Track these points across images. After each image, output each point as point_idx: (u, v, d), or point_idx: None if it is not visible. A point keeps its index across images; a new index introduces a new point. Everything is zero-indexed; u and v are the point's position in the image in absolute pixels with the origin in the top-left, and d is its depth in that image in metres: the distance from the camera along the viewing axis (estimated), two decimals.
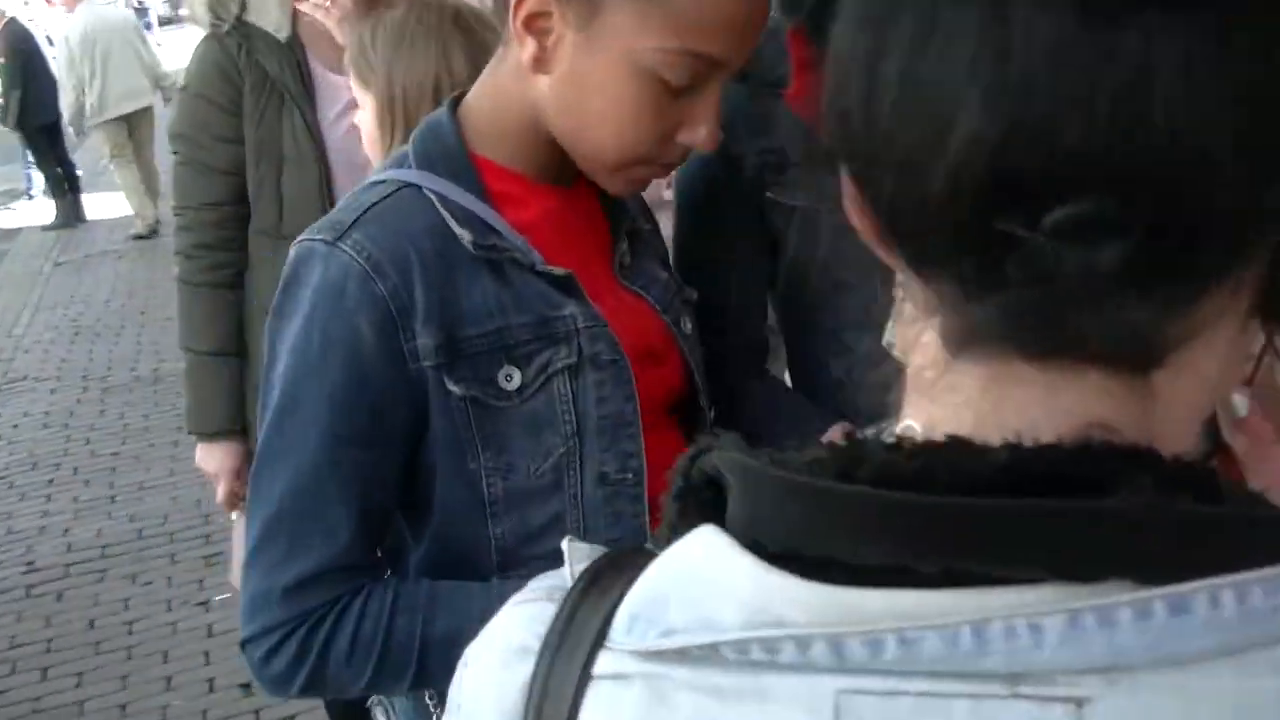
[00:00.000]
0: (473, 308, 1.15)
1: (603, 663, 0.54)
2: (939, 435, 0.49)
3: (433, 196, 1.16)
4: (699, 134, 1.13)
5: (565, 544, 0.60)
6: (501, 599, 0.62)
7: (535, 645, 0.57)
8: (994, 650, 0.45)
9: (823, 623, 0.48)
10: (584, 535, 1.19)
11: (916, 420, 0.53)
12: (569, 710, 0.54)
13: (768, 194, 1.42)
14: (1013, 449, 0.47)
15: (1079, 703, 0.45)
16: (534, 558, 1.20)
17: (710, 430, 0.69)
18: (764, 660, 0.49)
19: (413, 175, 1.17)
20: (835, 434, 1.06)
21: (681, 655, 0.51)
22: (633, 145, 1.13)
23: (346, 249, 1.12)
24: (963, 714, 0.46)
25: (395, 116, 1.66)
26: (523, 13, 1.09)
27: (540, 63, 1.11)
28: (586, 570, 0.58)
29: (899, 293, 0.54)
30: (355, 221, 1.13)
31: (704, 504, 0.55)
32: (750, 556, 0.50)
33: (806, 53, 0.72)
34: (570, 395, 1.18)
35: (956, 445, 0.48)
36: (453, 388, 1.15)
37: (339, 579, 1.16)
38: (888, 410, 0.55)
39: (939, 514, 0.46)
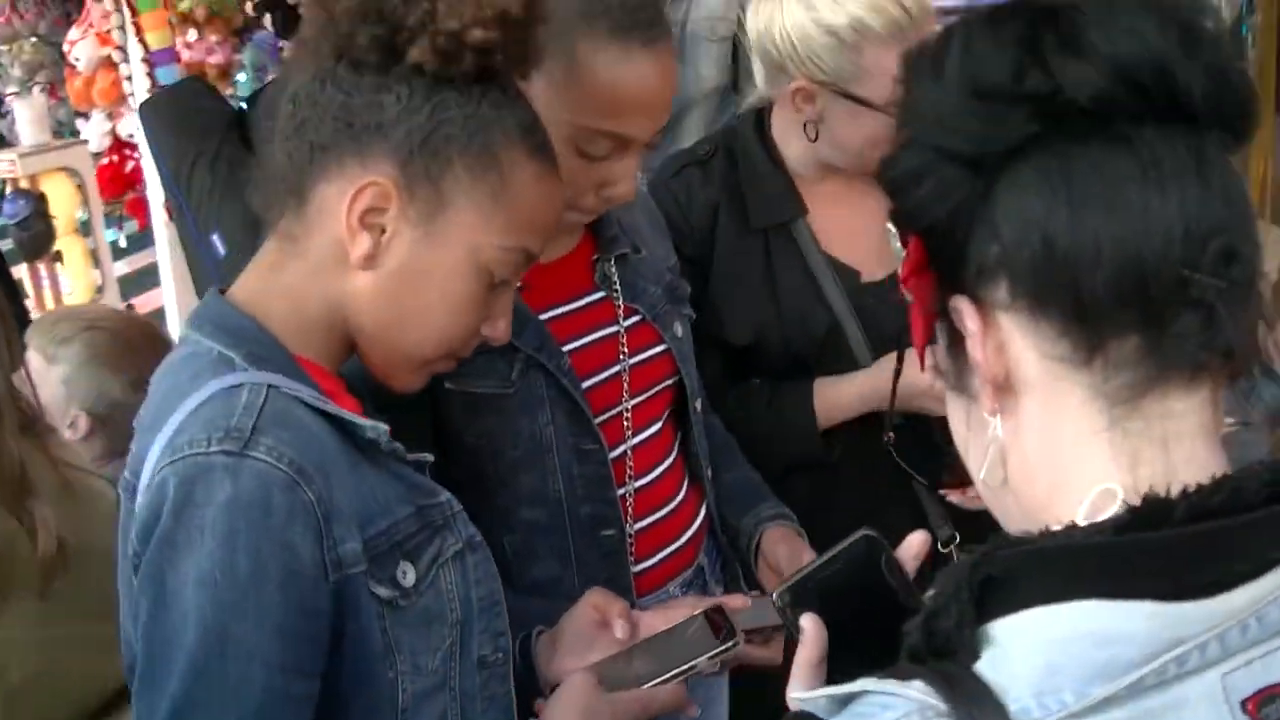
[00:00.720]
0: (366, 505, 1.08)
1: None
2: (1173, 486, 0.71)
3: (297, 395, 1.06)
4: (499, 328, 1.18)
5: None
6: None
7: None
8: None
9: (1208, 629, 0.67)
10: None
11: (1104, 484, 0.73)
12: None
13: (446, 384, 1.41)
14: (1233, 478, 0.71)
15: None
16: None
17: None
18: (1173, 675, 0.67)
19: (261, 376, 1.06)
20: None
21: (1093, 708, 0.66)
22: (453, 338, 1.15)
23: (261, 456, 1.00)
24: None
25: None
26: (358, 208, 1.08)
27: (370, 259, 1.09)
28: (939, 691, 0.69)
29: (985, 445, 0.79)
30: (256, 426, 1.00)
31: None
32: (1129, 602, 0.67)
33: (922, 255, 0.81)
34: (455, 583, 1.15)
35: (1202, 486, 0.70)
36: (377, 591, 1.07)
37: None
38: None
39: (1232, 530, 0.69)
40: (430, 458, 1.18)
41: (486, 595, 1.18)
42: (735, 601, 1.38)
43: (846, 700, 0.74)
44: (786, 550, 1.58)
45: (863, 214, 1.86)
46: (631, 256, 1.60)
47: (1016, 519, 0.80)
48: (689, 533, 1.63)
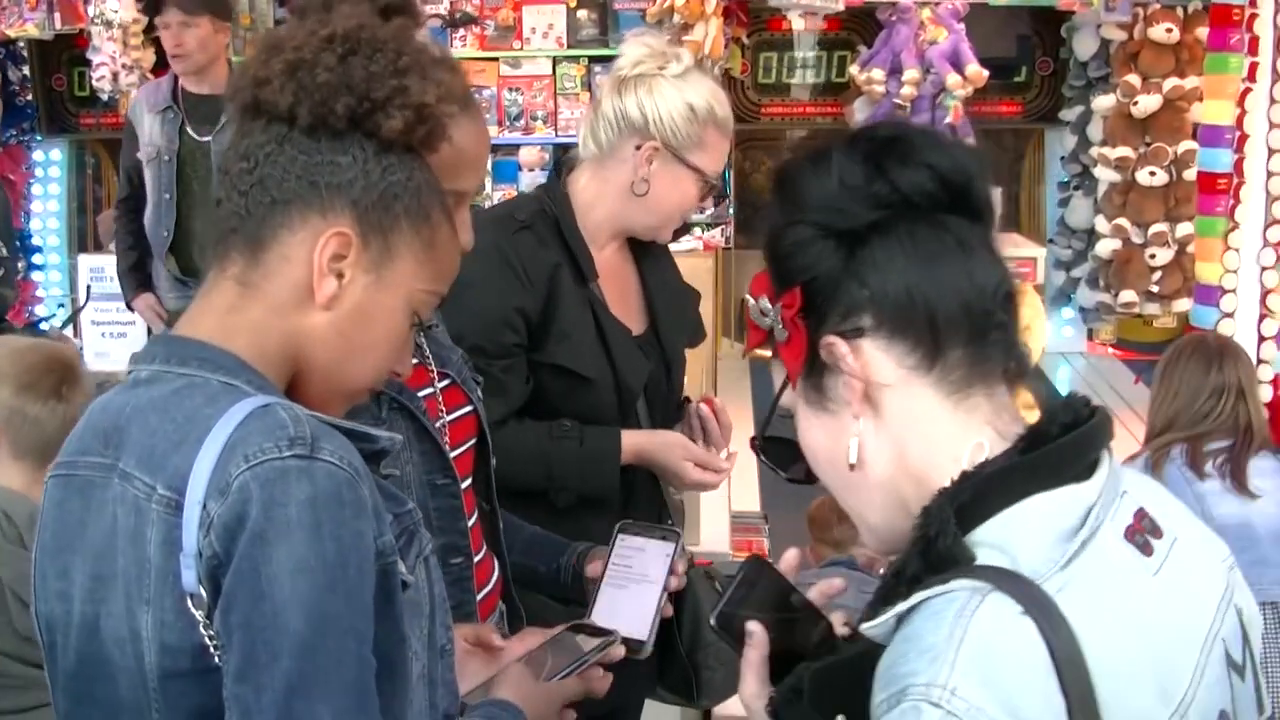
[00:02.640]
0: (379, 509, 1.19)
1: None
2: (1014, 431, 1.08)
3: (313, 415, 1.18)
4: (406, 364, 1.34)
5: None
6: None
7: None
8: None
9: (1097, 497, 1.03)
10: (430, 710, 1.28)
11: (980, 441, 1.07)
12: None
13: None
14: (1058, 409, 1.07)
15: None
16: None
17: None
18: (1093, 529, 1.01)
19: (278, 399, 1.18)
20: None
21: (1069, 561, 0.99)
22: (384, 369, 1.31)
23: (328, 459, 1.12)
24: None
25: None
26: (328, 253, 1.21)
27: (333, 300, 1.23)
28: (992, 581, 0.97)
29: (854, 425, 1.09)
30: (314, 434, 1.13)
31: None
32: (1059, 489, 1.02)
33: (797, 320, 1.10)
34: (424, 579, 1.27)
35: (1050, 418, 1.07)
36: (406, 577, 1.20)
37: None
38: None
39: (1082, 436, 1.05)
40: (396, 472, 1.32)
41: (441, 591, 1.32)
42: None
43: (903, 617, 0.99)
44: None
45: (625, 280, 2.33)
46: (434, 330, 1.80)
47: (874, 498, 1.11)
48: (494, 577, 1.85)
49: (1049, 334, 5.82)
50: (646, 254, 2.36)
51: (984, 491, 1.01)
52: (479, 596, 1.79)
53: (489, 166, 5.55)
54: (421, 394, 1.72)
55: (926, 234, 1.06)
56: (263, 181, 1.21)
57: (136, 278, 4.67)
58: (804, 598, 1.30)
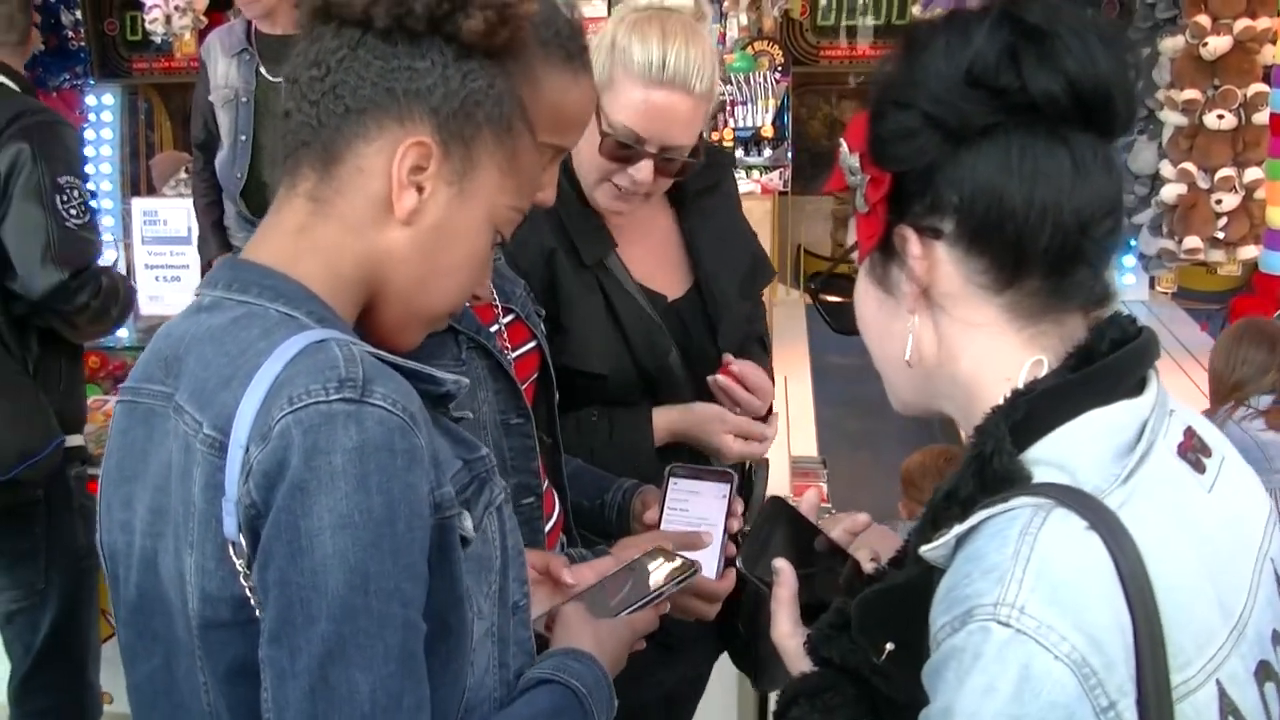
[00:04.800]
0: (440, 455, 1.12)
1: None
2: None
3: (372, 351, 1.10)
4: (486, 286, 1.36)
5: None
6: None
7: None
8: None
9: (1150, 412, 1.02)
10: (500, 670, 1.22)
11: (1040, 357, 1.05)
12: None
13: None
14: (1107, 327, 1.05)
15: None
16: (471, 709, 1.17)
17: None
18: (1149, 443, 1.00)
19: (338, 333, 1.10)
20: None
21: (1129, 475, 0.98)
22: (467, 291, 1.25)
23: (379, 403, 1.04)
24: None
25: None
26: (407, 163, 1.15)
27: (414, 214, 1.16)
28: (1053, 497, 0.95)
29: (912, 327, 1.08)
30: (365, 375, 1.05)
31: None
32: (1113, 405, 1.01)
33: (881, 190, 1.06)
34: (496, 531, 1.20)
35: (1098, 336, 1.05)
36: (467, 533, 1.12)
37: None
38: None
39: (1131, 353, 1.03)
40: (470, 414, 1.25)
41: (515, 544, 1.24)
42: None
43: (962, 538, 0.97)
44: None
45: (657, 238, 2.15)
46: (496, 262, 1.76)
47: (910, 380, 1.11)
48: (556, 510, 1.82)
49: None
50: (689, 201, 2.18)
51: (1038, 409, 0.99)
52: (552, 521, 1.76)
53: None
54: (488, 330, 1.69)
55: (1041, 150, 1.00)
56: (335, 89, 1.15)
57: (219, 238, 4.64)
58: (827, 538, 1.28)
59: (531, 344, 1.78)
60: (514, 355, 1.73)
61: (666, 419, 2.11)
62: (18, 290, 3.00)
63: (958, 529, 0.96)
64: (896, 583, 1.06)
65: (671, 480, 1.80)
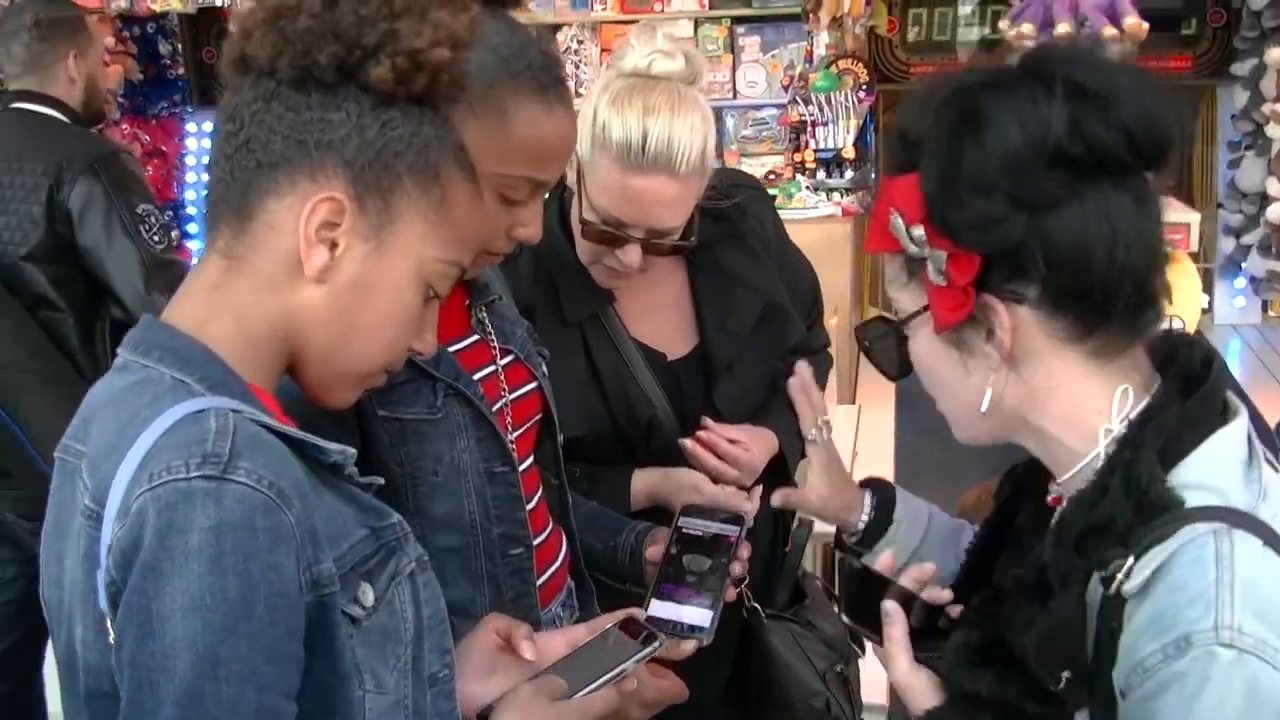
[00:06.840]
0: (329, 529, 1.07)
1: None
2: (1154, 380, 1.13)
3: (258, 419, 1.06)
4: (428, 341, 1.22)
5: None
6: None
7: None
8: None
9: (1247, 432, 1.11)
10: None
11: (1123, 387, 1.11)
12: None
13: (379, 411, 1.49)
14: (1193, 352, 1.14)
15: None
16: None
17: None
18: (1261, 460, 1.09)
19: (223, 400, 1.05)
20: None
21: (1263, 492, 1.06)
22: (396, 350, 1.19)
23: (241, 480, 0.99)
24: None
25: None
26: (315, 220, 1.10)
27: (324, 272, 1.12)
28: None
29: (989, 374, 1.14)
30: (232, 449, 1.00)
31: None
32: (1231, 424, 1.10)
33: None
34: (406, 602, 1.15)
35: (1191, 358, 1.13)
36: (349, 610, 1.07)
37: None
38: None
39: (1220, 376, 1.11)
40: (380, 481, 1.20)
41: (434, 613, 1.19)
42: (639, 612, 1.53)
43: (1155, 574, 1.03)
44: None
45: (664, 293, 2.05)
46: (498, 303, 1.70)
47: (984, 430, 1.18)
48: (561, 553, 1.75)
49: (1220, 306, 5.47)
50: (697, 254, 2.03)
51: (1175, 435, 1.06)
52: (545, 576, 1.69)
53: None
54: (482, 372, 1.62)
55: (1111, 203, 1.06)
56: (248, 143, 1.11)
57: None
58: (900, 587, 1.30)
59: (532, 385, 1.71)
60: (513, 397, 1.67)
61: (646, 481, 2.02)
62: (121, 318, 3.04)
63: (1155, 562, 1.02)
64: (1075, 614, 1.08)
65: (682, 519, 1.74)
